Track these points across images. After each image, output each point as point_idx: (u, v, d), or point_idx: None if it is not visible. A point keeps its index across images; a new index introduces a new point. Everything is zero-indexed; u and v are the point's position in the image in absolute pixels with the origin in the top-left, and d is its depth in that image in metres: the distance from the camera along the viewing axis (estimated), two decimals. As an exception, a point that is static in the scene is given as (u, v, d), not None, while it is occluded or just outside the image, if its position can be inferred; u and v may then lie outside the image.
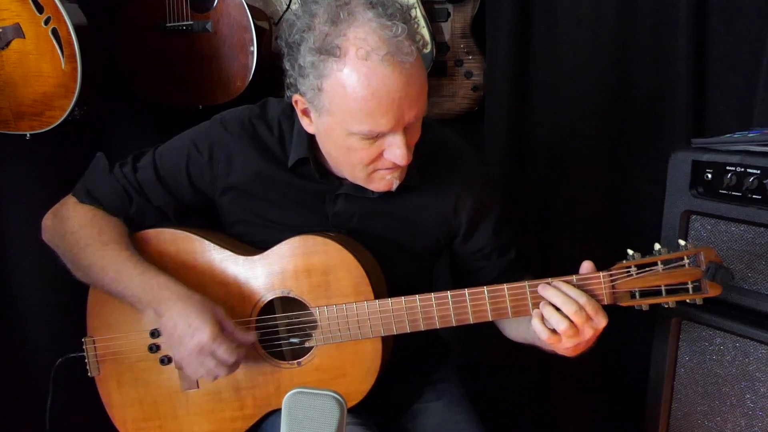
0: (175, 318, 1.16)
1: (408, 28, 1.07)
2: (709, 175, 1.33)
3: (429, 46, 1.93)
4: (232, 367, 1.19)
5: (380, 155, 1.14)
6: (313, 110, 1.15)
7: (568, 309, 1.10)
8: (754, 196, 1.27)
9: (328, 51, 1.06)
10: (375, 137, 1.11)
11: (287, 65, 1.14)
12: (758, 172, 1.26)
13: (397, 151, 1.12)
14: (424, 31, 1.92)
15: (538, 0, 1.93)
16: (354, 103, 1.07)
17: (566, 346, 1.13)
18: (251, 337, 1.21)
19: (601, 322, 1.12)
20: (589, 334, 1.12)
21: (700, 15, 1.68)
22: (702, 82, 1.71)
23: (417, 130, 1.17)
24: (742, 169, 1.29)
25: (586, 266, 1.15)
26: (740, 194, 1.29)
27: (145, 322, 1.27)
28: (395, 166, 1.16)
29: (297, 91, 1.15)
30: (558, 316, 1.11)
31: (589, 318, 1.11)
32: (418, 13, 1.92)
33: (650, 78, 1.81)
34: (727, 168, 1.30)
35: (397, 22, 1.06)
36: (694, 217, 1.38)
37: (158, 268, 1.21)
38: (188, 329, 1.15)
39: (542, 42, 1.95)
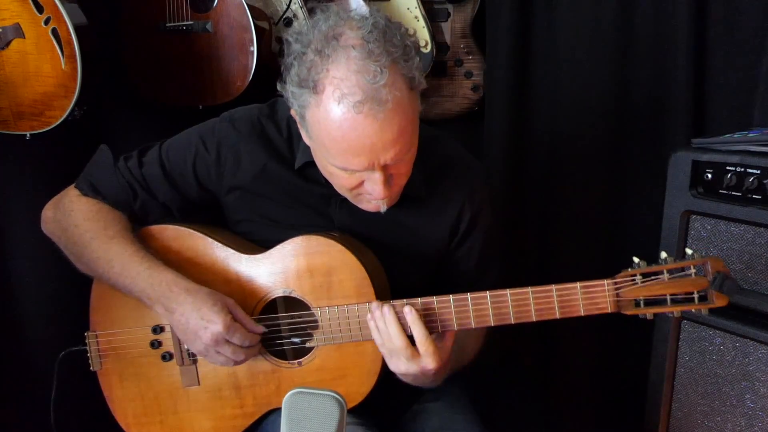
0: (188, 313, 1.17)
1: (390, 73, 1.03)
2: (709, 175, 1.34)
3: (429, 46, 1.94)
4: (250, 351, 1.21)
5: (362, 183, 1.13)
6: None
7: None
8: (754, 196, 1.28)
9: (308, 85, 1.06)
10: (353, 170, 1.11)
11: (279, 86, 1.14)
12: (758, 172, 1.26)
13: (375, 187, 1.11)
14: (425, 32, 1.92)
15: (538, 0, 1.94)
16: (328, 141, 1.08)
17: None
18: (260, 328, 1.22)
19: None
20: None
21: (700, 15, 1.68)
22: (702, 82, 1.72)
23: (406, 163, 1.14)
24: (742, 169, 1.29)
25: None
26: (740, 194, 1.29)
27: (149, 318, 1.27)
28: None
29: (293, 107, 1.15)
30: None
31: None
32: (422, 21, 1.92)
33: (650, 78, 1.81)
34: (727, 168, 1.31)
35: (381, 66, 1.02)
36: (694, 217, 1.38)
37: (164, 264, 1.22)
38: (201, 322, 1.16)
39: (542, 42, 1.95)
